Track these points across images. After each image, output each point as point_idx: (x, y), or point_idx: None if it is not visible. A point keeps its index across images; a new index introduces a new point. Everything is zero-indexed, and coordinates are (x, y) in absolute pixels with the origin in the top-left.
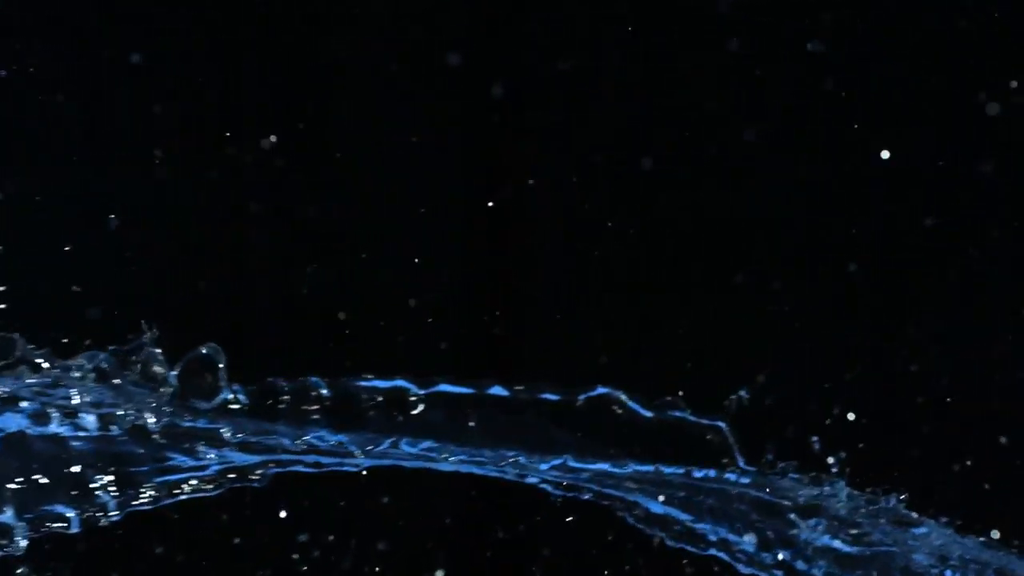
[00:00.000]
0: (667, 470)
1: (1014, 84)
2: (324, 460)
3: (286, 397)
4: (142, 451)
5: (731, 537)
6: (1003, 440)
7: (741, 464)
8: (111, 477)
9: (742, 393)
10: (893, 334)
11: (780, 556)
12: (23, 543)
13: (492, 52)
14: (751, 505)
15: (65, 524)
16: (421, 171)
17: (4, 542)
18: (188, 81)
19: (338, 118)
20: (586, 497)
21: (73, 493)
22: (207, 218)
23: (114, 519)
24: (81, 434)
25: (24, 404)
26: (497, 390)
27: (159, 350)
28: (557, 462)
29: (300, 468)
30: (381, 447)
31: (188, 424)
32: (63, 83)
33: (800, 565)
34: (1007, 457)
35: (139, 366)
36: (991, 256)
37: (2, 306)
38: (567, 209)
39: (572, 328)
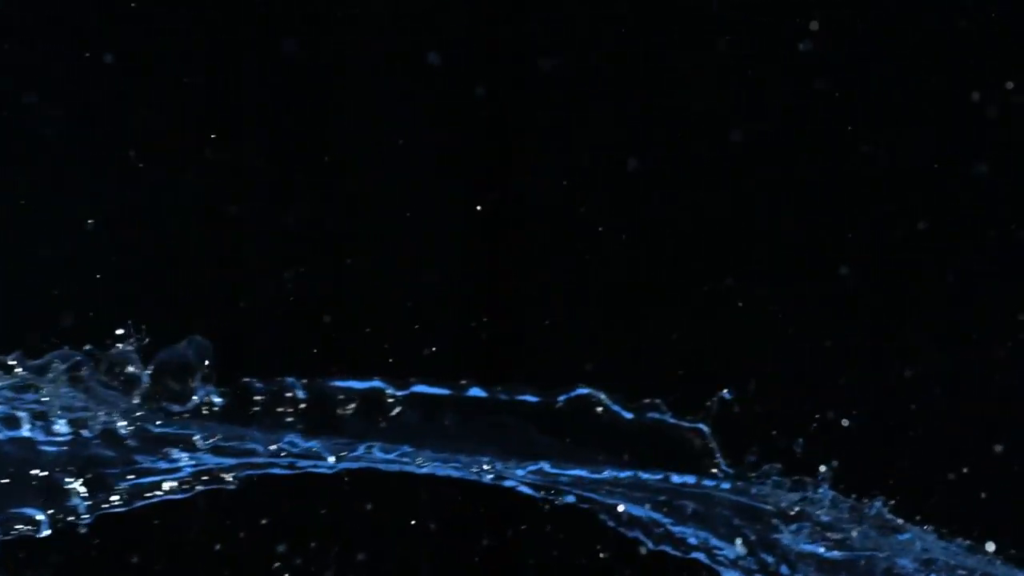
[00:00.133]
0: (644, 475)
1: (1010, 85)
2: (300, 463)
3: (261, 398)
4: (114, 454)
5: (713, 541)
6: (997, 448)
7: (723, 467)
8: (82, 480)
9: (724, 394)
10: (883, 338)
11: (763, 560)
12: None
13: (486, 54)
14: (733, 509)
15: (34, 527)
16: (414, 172)
17: None
18: (176, 82)
19: (330, 119)
20: (570, 499)
21: (42, 496)
22: (199, 220)
23: (85, 522)
24: (54, 438)
25: None
26: (475, 391)
27: (132, 349)
28: (534, 467)
29: (275, 471)
30: (355, 452)
31: (160, 427)
32: (50, 84)
33: (784, 570)
34: (997, 463)
35: (114, 368)
36: (984, 261)
37: None
38: (560, 211)
39: (565, 331)
